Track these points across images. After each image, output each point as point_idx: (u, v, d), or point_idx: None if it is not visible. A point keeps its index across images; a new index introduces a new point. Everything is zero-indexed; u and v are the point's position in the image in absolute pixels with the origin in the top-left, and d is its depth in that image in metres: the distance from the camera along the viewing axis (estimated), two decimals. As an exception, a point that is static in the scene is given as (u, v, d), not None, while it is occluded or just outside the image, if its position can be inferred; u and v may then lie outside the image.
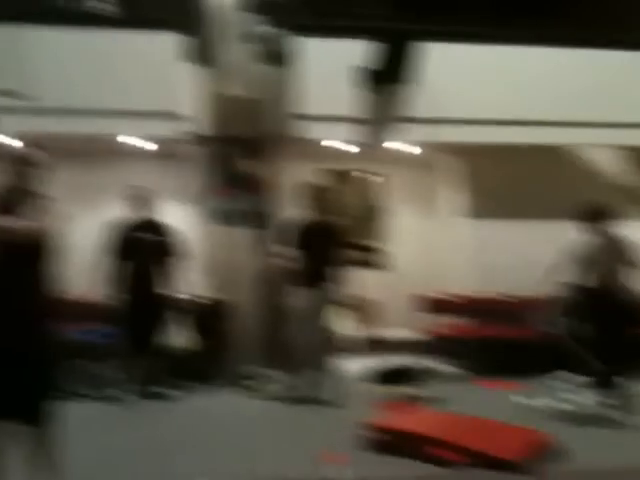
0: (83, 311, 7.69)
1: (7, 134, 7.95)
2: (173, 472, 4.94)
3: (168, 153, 9.88)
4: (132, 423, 6.47)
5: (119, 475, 4.89)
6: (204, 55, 9.72)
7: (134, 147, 9.63)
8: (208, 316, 8.21)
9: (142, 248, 7.27)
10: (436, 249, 10.59)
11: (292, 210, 7.58)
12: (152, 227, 7.46)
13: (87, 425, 6.06)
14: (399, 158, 10.21)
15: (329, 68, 9.15)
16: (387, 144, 9.77)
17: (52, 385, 4.30)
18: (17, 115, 8.38)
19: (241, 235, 9.73)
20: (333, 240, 7.04)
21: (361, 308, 9.86)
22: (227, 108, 9.46)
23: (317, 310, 6.95)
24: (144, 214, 7.43)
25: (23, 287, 3.90)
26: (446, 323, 9.31)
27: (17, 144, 4.21)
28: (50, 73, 8.73)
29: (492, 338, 8.83)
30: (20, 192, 4.01)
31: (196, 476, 4.60)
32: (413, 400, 6.91)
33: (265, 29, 8.71)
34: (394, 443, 5.33)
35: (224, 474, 4.68)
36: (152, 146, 9.63)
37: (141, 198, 7.45)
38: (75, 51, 8.88)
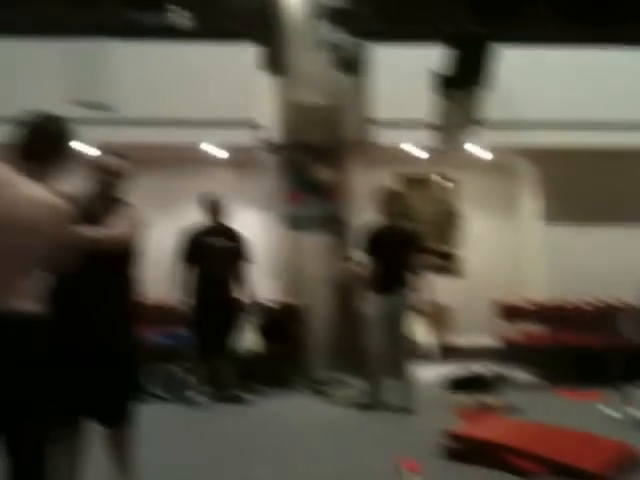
0: (160, 315, 7.86)
1: (91, 144, 8.15)
2: (246, 476, 4.97)
3: (245, 160, 10.00)
4: (207, 425, 6.55)
5: (193, 478, 4.93)
6: (280, 64, 9.82)
7: (212, 155, 9.76)
8: (281, 320, 8.28)
9: (214, 253, 7.34)
10: (511, 254, 10.47)
11: (367, 216, 7.57)
12: (224, 232, 7.53)
13: (163, 427, 6.18)
14: (473, 162, 10.14)
15: (402, 74, 9.18)
16: (461, 148, 9.70)
17: (135, 387, 4.41)
18: (102, 126, 8.62)
19: (315, 241, 9.79)
20: (408, 245, 7.00)
21: (436, 314, 9.81)
22: (302, 115, 9.53)
23: (391, 316, 6.91)
24: (217, 220, 7.51)
25: (111, 292, 4.01)
26: (521, 330, 9.17)
27: (101, 154, 4.29)
28: (133, 85, 8.96)
29: (567, 346, 8.67)
30: (104, 200, 4.12)
31: None
32: (489, 408, 6.83)
33: (339, 36, 8.74)
34: (470, 451, 5.26)
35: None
36: (229, 154, 9.73)
37: (214, 204, 7.53)
38: (157, 63, 9.11)
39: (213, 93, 9.02)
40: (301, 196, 9.92)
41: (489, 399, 7.20)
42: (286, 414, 7.00)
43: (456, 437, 5.43)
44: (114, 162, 4.15)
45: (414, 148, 9.76)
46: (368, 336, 6.97)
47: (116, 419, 4.11)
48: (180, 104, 8.97)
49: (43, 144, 2.96)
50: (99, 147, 4.70)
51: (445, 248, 10.55)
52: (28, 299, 2.79)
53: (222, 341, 7.32)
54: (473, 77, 9.13)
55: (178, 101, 8.98)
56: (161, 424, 6.23)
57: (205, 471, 5.05)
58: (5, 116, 7.82)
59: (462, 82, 9.13)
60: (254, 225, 10.05)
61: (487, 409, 6.78)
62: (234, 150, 9.61)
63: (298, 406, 7.38)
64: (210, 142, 9.50)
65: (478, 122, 9.43)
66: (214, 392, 7.45)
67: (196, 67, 9.12)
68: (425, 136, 9.48)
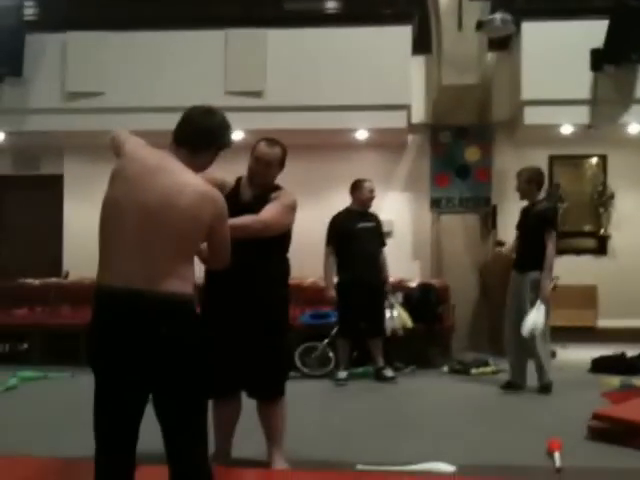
0: (307, 295, 8.24)
1: (245, 132, 8.52)
2: (389, 449, 5.02)
3: (392, 143, 10.13)
4: (352, 400, 6.69)
5: (339, 448, 5.08)
6: (431, 45, 9.85)
7: (360, 138, 9.96)
8: (425, 300, 8.32)
9: (358, 235, 7.44)
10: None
11: (513, 196, 7.49)
12: (367, 215, 7.62)
13: (309, 401, 6.43)
14: (626, 140, 9.83)
15: (554, 51, 9.04)
16: (615, 125, 9.45)
17: (287, 364, 4.65)
18: (255, 112, 8.98)
19: (461, 222, 9.82)
20: (538, 226, 6.85)
21: (581, 295, 9.66)
22: (453, 97, 9.53)
23: (520, 296, 6.82)
24: (362, 203, 7.58)
25: (267, 274, 4.19)
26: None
27: (256, 142, 4.43)
28: (286, 72, 9.32)
29: None
30: (258, 187, 4.22)
31: (418, 459, 4.66)
32: (636, 390, 6.69)
33: (491, 15, 8.67)
34: (616, 432, 5.19)
35: (445, 459, 4.71)
36: (377, 137, 9.87)
37: (363, 188, 7.58)
38: (308, 50, 9.40)
39: (364, 77, 9.20)
40: (449, 178, 9.96)
41: (636, 380, 7.05)
42: (429, 391, 7.07)
43: (602, 418, 5.38)
44: (269, 150, 4.25)
45: (565, 127, 9.57)
46: (506, 315, 7.00)
47: (269, 393, 4.32)
48: (331, 89, 9.21)
49: (197, 134, 3.07)
50: (252, 134, 4.90)
51: (595, 228, 10.28)
52: (183, 282, 2.91)
53: (370, 320, 7.46)
54: (629, 51, 8.88)
55: (329, 86, 9.22)
56: (308, 398, 6.48)
57: (351, 443, 5.17)
58: (164, 106, 8.38)
59: (618, 57, 8.90)
60: (401, 207, 10.18)
61: (634, 391, 6.64)
62: (382, 133, 9.73)
63: (440, 384, 7.43)
64: (360, 126, 9.68)
65: (634, 98, 9.18)
66: (361, 370, 7.66)
67: (347, 52, 9.32)
68: (577, 114, 9.30)
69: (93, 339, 2.96)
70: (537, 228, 6.71)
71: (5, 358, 8.65)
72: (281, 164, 4.31)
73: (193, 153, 3.05)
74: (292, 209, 4.20)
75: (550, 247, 6.68)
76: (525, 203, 7.00)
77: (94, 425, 2.95)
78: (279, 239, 4.18)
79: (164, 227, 2.86)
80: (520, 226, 6.98)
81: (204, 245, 3.14)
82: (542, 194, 6.97)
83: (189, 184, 2.92)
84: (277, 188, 4.28)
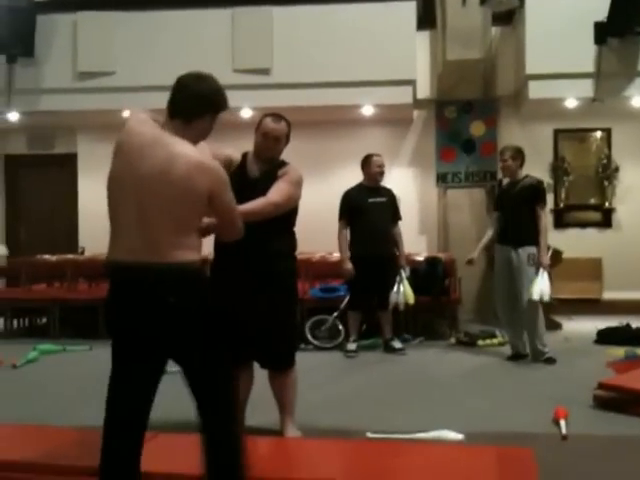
0: (315, 269, 8.42)
1: (252, 108, 8.60)
2: (402, 421, 5.10)
3: (398, 118, 10.20)
4: (361, 371, 6.84)
5: (346, 417, 5.17)
6: (435, 20, 9.88)
7: (366, 114, 10.04)
8: (432, 274, 8.40)
9: (370, 210, 7.51)
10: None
11: (524, 171, 7.53)
12: (380, 190, 7.68)
13: (319, 372, 6.58)
14: (630, 112, 9.86)
15: (558, 24, 9.04)
16: (619, 98, 9.49)
17: (296, 335, 4.77)
18: (261, 90, 9.05)
19: (466, 196, 9.90)
20: (527, 200, 6.90)
21: (586, 268, 9.74)
22: (457, 71, 9.57)
23: (511, 269, 6.89)
24: (374, 178, 7.64)
25: (273, 248, 4.28)
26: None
27: (262, 117, 4.50)
28: (292, 48, 9.39)
29: None
30: (264, 163, 4.31)
31: (425, 428, 4.75)
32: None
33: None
34: (621, 401, 5.29)
35: (453, 427, 4.77)
36: (383, 112, 9.95)
37: (371, 162, 7.65)
38: (313, 26, 9.48)
39: (369, 53, 9.28)
40: (455, 153, 10.03)
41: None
42: (436, 362, 7.19)
43: (607, 387, 5.47)
44: (276, 125, 4.33)
45: (570, 101, 9.61)
46: (495, 288, 7.14)
47: (280, 363, 4.46)
48: (336, 65, 9.29)
49: (190, 100, 3.04)
50: (261, 112, 4.98)
51: (600, 201, 10.34)
52: (187, 250, 2.94)
53: (380, 293, 7.55)
54: (633, 24, 8.89)
55: (334, 62, 9.30)
56: (319, 370, 6.64)
57: (361, 412, 5.29)
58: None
59: (622, 29, 8.92)
60: (407, 183, 10.27)
61: (638, 361, 6.74)
62: (388, 109, 9.80)
63: (448, 356, 7.52)
64: (365, 102, 9.76)
65: (638, 70, 9.20)
66: (370, 341, 7.79)
67: (352, 28, 9.40)
68: (582, 88, 9.34)
69: (109, 314, 3.06)
70: (527, 203, 6.80)
71: (25, 332, 8.95)
72: (287, 139, 4.42)
73: (187, 122, 3.03)
74: (299, 185, 4.30)
75: (544, 220, 6.85)
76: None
77: (108, 394, 3.02)
78: (286, 214, 4.27)
79: (159, 199, 2.89)
80: (505, 202, 7.05)
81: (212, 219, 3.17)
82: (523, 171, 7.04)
83: (182, 155, 2.90)
84: (283, 164, 4.38)
